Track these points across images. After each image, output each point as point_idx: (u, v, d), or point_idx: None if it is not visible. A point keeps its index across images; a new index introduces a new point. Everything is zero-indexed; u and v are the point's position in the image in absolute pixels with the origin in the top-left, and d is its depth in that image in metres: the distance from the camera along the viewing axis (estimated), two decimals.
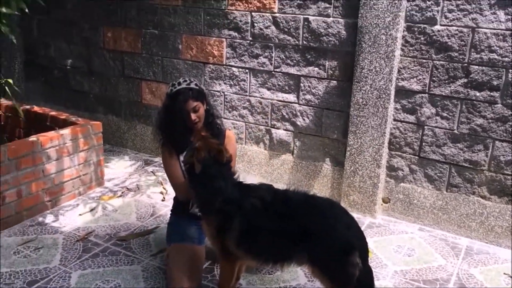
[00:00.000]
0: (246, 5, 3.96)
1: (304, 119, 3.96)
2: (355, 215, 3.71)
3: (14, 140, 3.94)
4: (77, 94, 5.12)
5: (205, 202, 2.52)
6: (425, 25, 3.35)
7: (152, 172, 4.43)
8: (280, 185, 4.11)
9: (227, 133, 2.92)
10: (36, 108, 4.27)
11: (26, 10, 3.26)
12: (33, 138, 3.50)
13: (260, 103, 4.12)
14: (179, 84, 2.69)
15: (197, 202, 2.61)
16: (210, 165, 2.47)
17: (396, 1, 3.31)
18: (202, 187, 2.49)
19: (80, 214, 3.62)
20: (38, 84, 5.36)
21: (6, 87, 3.36)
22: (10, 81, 3.39)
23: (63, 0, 4.89)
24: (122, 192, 4.01)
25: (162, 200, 3.89)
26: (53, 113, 4.15)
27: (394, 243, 3.42)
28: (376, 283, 2.93)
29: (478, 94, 3.29)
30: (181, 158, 2.74)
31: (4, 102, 4.30)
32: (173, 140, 2.76)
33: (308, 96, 3.89)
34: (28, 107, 4.27)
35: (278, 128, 4.09)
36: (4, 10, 3.08)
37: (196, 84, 2.73)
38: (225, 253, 2.50)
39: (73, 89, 5.13)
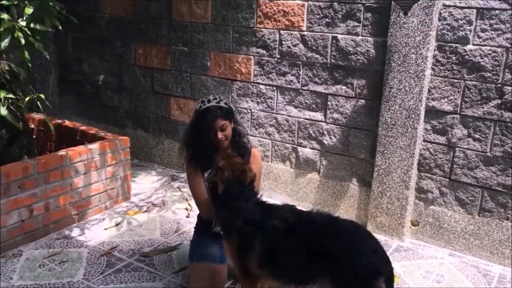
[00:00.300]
0: (275, 23, 3.96)
1: (331, 138, 3.90)
2: (382, 237, 3.64)
3: (45, 153, 4.04)
4: (108, 109, 5.21)
5: (227, 222, 2.50)
6: (457, 45, 3.27)
7: (178, 188, 4.45)
8: (306, 205, 4.06)
9: (253, 151, 2.89)
10: (67, 123, 4.37)
11: (60, 28, 3.36)
12: (62, 152, 3.56)
13: (287, 121, 4.09)
14: (209, 101, 2.69)
15: (219, 221, 2.59)
16: (233, 185, 2.45)
17: (427, 20, 3.25)
18: (224, 207, 2.48)
19: (105, 229, 3.65)
20: (71, 99, 5.49)
21: (38, 102, 3.44)
22: (42, 96, 3.47)
23: (97, 19, 5.01)
24: (148, 208, 4.03)
25: (187, 217, 3.89)
26: (83, 127, 4.23)
27: (423, 268, 3.30)
28: None
29: None
30: (206, 175, 2.73)
31: (37, 116, 4.41)
32: (199, 157, 2.75)
33: (335, 115, 3.84)
34: (59, 121, 4.37)
35: (304, 147, 4.05)
36: (38, 27, 3.18)
37: (225, 103, 2.71)
38: (246, 274, 2.47)
39: (104, 104, 5.23)
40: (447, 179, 3.49)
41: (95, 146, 3.76)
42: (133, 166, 4.77)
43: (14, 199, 3.21)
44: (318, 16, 3.76)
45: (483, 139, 3.30)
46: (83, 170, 3.66)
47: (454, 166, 3.44)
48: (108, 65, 5.09)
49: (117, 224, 3.72)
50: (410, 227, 3.69)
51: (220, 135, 2.65)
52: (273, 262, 2.38)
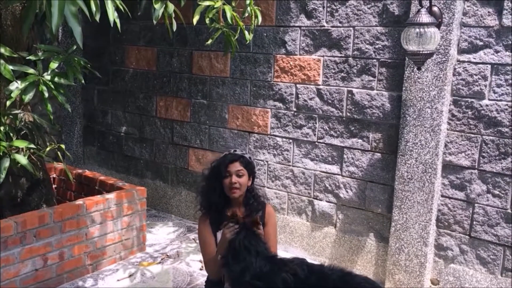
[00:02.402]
0: (291, 77, 4.04)
1: (347, 191, 3.86)
2: None
3: (65, 202, 4.10)
4: (128, 159, 5.31)
5: (236, 277, 2.45)
6: (472, 99, 3.26)
7: (193, 239, 4.42)
8: (322, 259, 3.96)
9: (268, 209, 2.81)
10: (87, 172, 4.45)
11: (83, 81, 3.50)
12: (79, 201, 3.61)
13: (303, 173, 4.08)
14: (235, 151, 2.73)
15: (228, 277, 2.54)
16: (242, 240, 2.43)
17: (441, 75, 3.26)
18: (233, 262, 2.44)
19: (118, 280, 3.62)
20: (94, 149, 5.63)
21: (58, 152, 3.54)
22: (63, 146, 3.57)
23: (122, 72, 5.21)
24: (162, 259, 4.00)
25: (200, 269, 3.84)
26: (102, 177, 4.31)
27: None
28: None
29: None
30: (218, 235, 2.68)
31: (58, 166, 4.52)
32: (210, 206, 2.70)
33: (351, 168, 3.82)
34: (80, 171, 4.47)
35: (320, 200, 4.01)
36: (62, 81, 3.32)
37: (249, 157, 2.73)
38: None
39: (125, 155, 5.33)
40: (467, 236, 3.38)
41: (111, 196, 3.80)
42: (150, 217, 4.79)
43: (29, 248, 3.24)
44: (333, 71, 3.82)
45: (502, 195, 3.21)
46: (99, 219, 3.69)
47: (474, 222, 3.34)
48: (131, 116, 5.23)
49: (130, 276, 3.70)
50: (430, 286, 3.55)
51: (234, 178, 2.61)
52: None
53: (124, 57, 5.18)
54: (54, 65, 3.18)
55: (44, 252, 3.34)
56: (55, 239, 3.40)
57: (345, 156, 3.85)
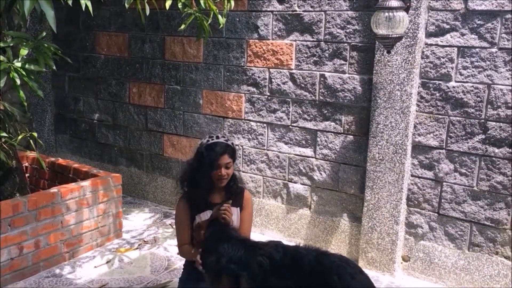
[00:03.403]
0: (265, 62, 4.07)
1: (321, 174, 3.94)
2: (374, 273, 3.63)
3: (38, 191, 4.06)
4: (102, 147, 5.27)
5: (212, 265, 2.49)
6: (440, 82, 3.36)
7: (170, 224, 4.44)
8: (297, 240, 4.05)
9: (246, 195, 2.89)
10: (60, 161, 4.41)
11: (54, 68, 3.45)
12: (54, 189, 3.59)
13: (278, 157, 4.14)
14: (217, 137, 2.74)
15: (206, 267, 2.57)
16: (215, 229, 2.51)
17: (410, 58, 3.34)
18: (208, 251, 2.50)
19: (95, 266, 3.63)
20: (67, 137, 5.56)
21: (31, 140, 3.50)
22: (35, 134, 3.53)
23: (93, 59, 5.14)
24: (139, 245, 4.02)
25: (178, 253, 3.87)
26: (76, 165, 4.28)
27: None
28: None
29: (496, 150, 3.23)
30: (197, 219, 2.74)
31: (31, 154, 4.46)
32: (195, 193, 2.74)
33: (325, 151, 3.90)
34: (53, 159, 4.42)
35: (295, 182, 4.08)
36: (32, 67, 3.27)
37: (232, 143, 2.77)
38: None
39: (98, 142, 5.29)
40: (436, 214, 3.51)
41: (87, 183, 3.79)
42: (126, 203, 4.78)
43: (4, 237, 3.22)
44: (306, 55, 3.87)
45: (469, 173, 3.35)
46: (74, 207, 3.68)
47: (442, 200, 3.47)
48: (103, 103, 5.18)
49: (108, 262, 3.71)
50: (401, 263, 3.68)
51: (223, 171, 2.67)
52: None
53: (94, 44, 5.11)
54: (24, 51, 3.13)
55: (20, 241, 3.32)
56: (30, 227, 3.38)
57: (318, 139, 3.92)
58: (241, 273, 2.36)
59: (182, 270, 3.04)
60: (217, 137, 2.74)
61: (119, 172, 4.81)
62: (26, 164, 4.46)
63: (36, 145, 3.61)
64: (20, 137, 3.42)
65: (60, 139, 5.61)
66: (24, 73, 3.16)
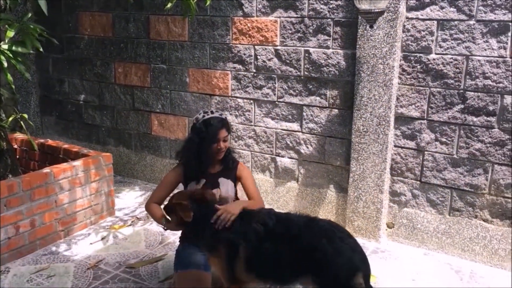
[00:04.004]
0: (250, 39, 4.13)
1: (307, 147, 4.06)
2: (360, 240, 3.75)
3: (29, 172, 4.10)
4: (89, 127, 5.30)
5: (209, 243, 2.61)
6: (420, 54, 3.48)
7: None
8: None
9: (239, 166, 3.03)
10: (50, 142, 4.44)
11: (41, 49, 3.46)
12: (46, 169, 3.64)
13: (265, 132, 4.24)
14: (212, 112, 2.90)
15: (203, 242, 2.68)
16: (201, 208, 2.62)
17: (392, 32, 3.45)
18: (202, 227, 2.62)
19: (91, 243, 3.72)
20: (53, 119, 5.57)
21: (22, 122, 3.53)
22: (25, 115, 3.56)
23: (77, 40, 5.13)
24: (132, 221, 4.11)
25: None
26: (65, 146, 4.32)
27: (399, 267, 3.45)
28: None
29: (475, 119, 3.38)
30: (193, 185, 2.89)
31: (20, 136, 4.48)
32: (193, 166, 2.88)
33: (311, 125, 4.01)
34: (42, 140, 4.45)
35: (282, 156, 4.20)
36: (19, 49, 3.28)
37: (226, 118, 2.93)
38: (234, 281, 2.56)
39: (85, 123, 5.32)
40: (418, 182, 3.67)
41: (78, 163, 3.85)
42: (116, 183, 4.85)
43: (1, 217, 3.27)
44: (290, 31, 3.94)
45: (449, 142, 3.50)
46: (67, 186, 3.74)
47: (424, 169, 3.63)
48: (89, 84, 5.19)
49: (102, 239, 3.80)
50: (386, 229, 3.85)
51: (222, 144, 2.85)
52: (257, 265, 2.49)
53: (77, 24, 5.09)
54: (11, 33, 3.15)
55: (16, 221, 3.38)
56: (25, 207, 3.44)
57: (304, 113, 4.03)
58: (239, 241, 2.48)
59: (177, 244, 3.15)
60: (212, 112, 2.90)
61: (107, 152, 4.85)
62: (15, 146, 4.48)
63: (27, 126, 3.63)
64: (11, 118, 3.44)
65: (46, 121, 5.62)
66: (11, 55, 3.18)
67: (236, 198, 3.02)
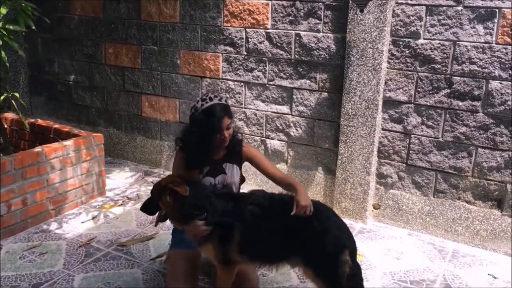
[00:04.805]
0: (241, 21, 4.16)
1: (297, 130, 4.13)
2: (347, 221, 3.86)
3: (19, 152, 4.11)
4: (79, 108, 5.30)
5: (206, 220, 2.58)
6: (409, 39, 3.55)
7: (151, 182, 4.58)
8: None
9: (244, 148, 2.87)
10: (40, 121, 4.45)
11: (33, 27, 3.47)
12: (38, 149, 3.66)
13: (255, 114, 4.29)
14: (211, 99, 2.65)
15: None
16: (196, 189, 2.54)
17: (382, 17, 3.50)
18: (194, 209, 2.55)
19: (82, 222, 3.77)
20: (42, 99, 5.55)
21: (13, 101, 3.54)
22: (17, 94, 3.57)
23: (66, 19, 5.10)
24: (123, 201, 4.16)
25: None
26: (56, 126, 4.33)
27: (384, 247, 3.56)
28: (365, 284, 3.06)
29: (460, 103, 3.47)
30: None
31: (10, 115, 4.48)
32: (196, 156, 2.70)
33: (300, 108, 4.07)
34: (32, 120, 4.45)
35: (272, 139, 4.26)
36: (11, 27, 3.29)
37: (225, 100, 2.71)
38: (226, 263, 2.57)
39: (75, 103, 5.31)
40: (404, 164, 3.76)
41: (69, 142, 3.87)
42: (106, 164, 4.87)
43: None
44: (281, 14, 3.98)
45: (435, 126, 3.59)
46: (58, 166, 3.77)
47: (410, 151, 3.72)
48: (79, 64, 5.18)
49: (93, 218, 3.85)
50: (372, 211, 3.96)
51: (226, 133, 2.65)
52: (250, 246, 2.53)
53: (68, 4, 5.06)
54: (4, 10, 3.15)
55: (8, 199, 3.41)
56: (17, 185, 3.46)
57: (294, 96, 4.08)
58: (235, 223, 2.50)
59: (167, 223, 3.19)
60: (211, 99, 2.66)
61: (98, 133, 4.86)
62: (5, 126, 4.47)
63: (18, 106, 3.64)
64: (2, 97, 3.45)
65: (36, 101, 5.60)
66: (5, 33, 3.18)
67: (242, 181, 2.92)
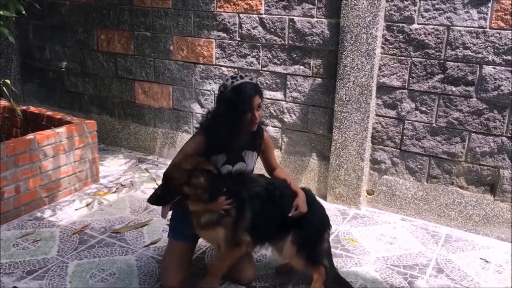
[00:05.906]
0: (234, 7, 4.12)
1: (291, 116, 4.12)
2: (341, 207, 3.91)
3: (11, 139, 4.08)
4: (72, 95, 5.26)
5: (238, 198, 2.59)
6: (403, 24, 3.53)
7: (145, 169, 4.58)
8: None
9: (265, 136, 2.80)
10: (32, 109, 4.41)
11: (24, 13, 3.42)
12: (30, 136, 3.64)
13: None
14: (241, 77, 2.53)
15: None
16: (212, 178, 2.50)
17: (376, 2, 3.48)
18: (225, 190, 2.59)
19: (76, 209, 3.76)
20: (34, 86, 5.50)
21: (4, 88, 3.50)
22: (8, 81, 3.53)
23: (57, 6, 5.04)
24: (117, 188, 4.15)
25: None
26: (49, 113, 4.30)
27: (377, 232, 3.58)
28: (359, 268, 3.10)
29: (454, 89, 3.47)
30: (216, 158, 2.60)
31: (2, 103, 4.44)
32: (221, 139, 2.53)
33: (294, 94, 4.06)
34: (24, 107, 4.41)
35: (266, 125, 4.25)
36: (1, 13, 3.24)
37: (256, 82, 2.57)
38: (236, 241, 2.59)
39: (67, 90, 5.27)
40: (398, 150, 3.77)
41: (62, 129, 3.84)
42: (100, 151, 4.85)
43: None
44: (275, 0, 3.94)
45: (429, 111, 3.59)
46: (51, 153, 3.75)
47: (404, 137, 3.72)
48: (70, 51, 5.13)
49: (87, 205, 3.84)
50: (366, 196, 3.97)
51: (257, 113, 2.48)
52: (254, 227, 2.62)
53: None
54: None
55: (0, 186, 3.39)
56: (10, 173, 3.44)
57: (288, 82, 4.07)
58: (247, 203, 2.57)
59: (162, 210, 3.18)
60: (241, 77, 2.53)
61: (91, 120, 4.83)
62: None
63: (10, 93, 3.60)
64: None
65: (27, 88, 5.55)
66: None
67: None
